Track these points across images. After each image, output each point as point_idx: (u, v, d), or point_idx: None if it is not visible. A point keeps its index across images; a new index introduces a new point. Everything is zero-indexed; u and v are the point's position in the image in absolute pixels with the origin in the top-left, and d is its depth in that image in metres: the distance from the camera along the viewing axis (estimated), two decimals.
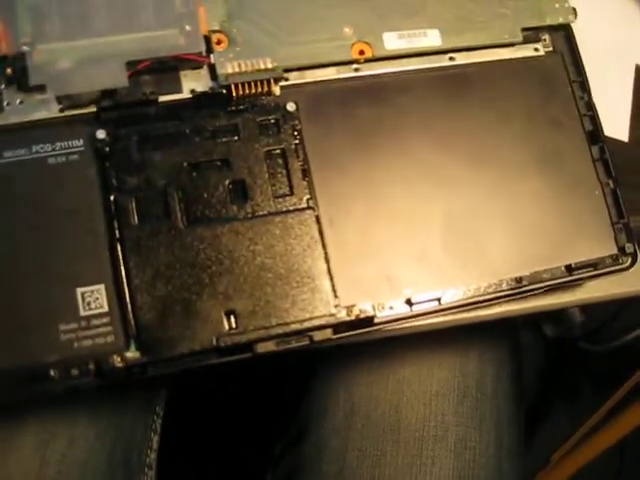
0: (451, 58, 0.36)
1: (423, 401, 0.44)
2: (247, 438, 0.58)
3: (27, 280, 0.31)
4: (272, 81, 0.34)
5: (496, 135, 0.36)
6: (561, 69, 0.37)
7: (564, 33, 0.38)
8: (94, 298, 0.32)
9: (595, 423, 0.71)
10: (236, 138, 0.34)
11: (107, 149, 0.33)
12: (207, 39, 0.34)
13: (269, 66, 0.34)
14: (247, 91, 0.34)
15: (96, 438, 0.39)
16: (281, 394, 0.54)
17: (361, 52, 0.35)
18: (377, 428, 0.43)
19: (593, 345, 0.81)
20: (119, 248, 0.32)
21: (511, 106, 0.36)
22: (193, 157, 0.33)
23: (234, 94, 0.34)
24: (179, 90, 0.34)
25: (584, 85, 0.37)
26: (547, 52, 0.37)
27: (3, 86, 0.33)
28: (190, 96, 0.34)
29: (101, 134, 0.33)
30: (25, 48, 0.33)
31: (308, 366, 0.48)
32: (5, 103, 0.33)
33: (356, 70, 0.35)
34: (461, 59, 0.37)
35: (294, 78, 0.35)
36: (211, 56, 0.34)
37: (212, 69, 0.34)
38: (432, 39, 0.36)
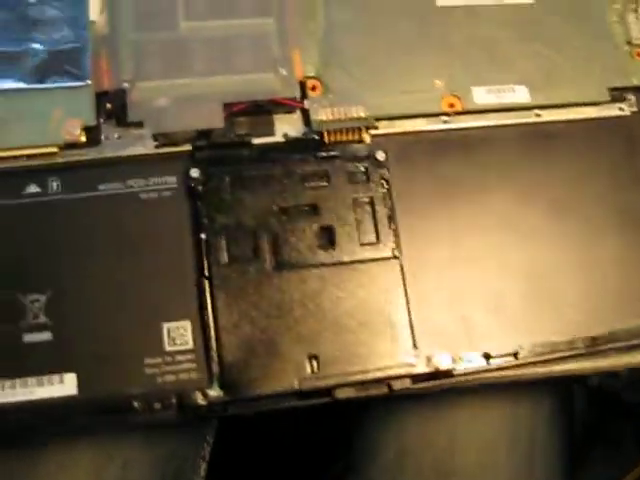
0: (537, 114, 0.37)
1: (476, 447, 0.45)
2: (293, 469, 0.59)
3: (116, 312, 0.33)
4: (363, 129, 0.35)
5: (579, 191, 0.37)
6: None
7: None
8: (180, 334, 0.33)
9: (637, 477, 0.70)
10: (326, 184, 0.35)
11: (200, 188, 0.34)
12: (302, 84, 0.36)
13: (361, 115, 0.35)
14: (339, 138, 0.35)
15: (150, 463, 0.40)
16: (330, 427, 0.54)
17: (451, 105, 0.36)
18: (430, 471, 0.44)
19: (636, 396, 0.81)
20: (207, 286, 0.33)
21: (595, 163, 0.37)
22: (283, 200, 0.34)
23: (326, 140, 0.35)
24: (272, 133, 0.35)
25: None
26: (632, 112, 0.38)
27: (102, 120, 0.34)
28: (283, 140, 0.35)
29: (195, 173, 0.34)
30: (126, 85, 0.34)
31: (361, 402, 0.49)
32: (103, 137, 0.34)
33: (445, 122, 0.36)
34: (547, 116, 0.38)
35: (384, 127, 0.36)
36: (305, 102, 0.35)
37: (305, 114, 0.35)
38: (520, 95, 0.37)
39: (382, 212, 0.35)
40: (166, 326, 0.33)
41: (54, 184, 0.34)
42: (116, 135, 0.35)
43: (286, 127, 0.36)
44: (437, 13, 0.38)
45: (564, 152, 0.38)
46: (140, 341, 0.32)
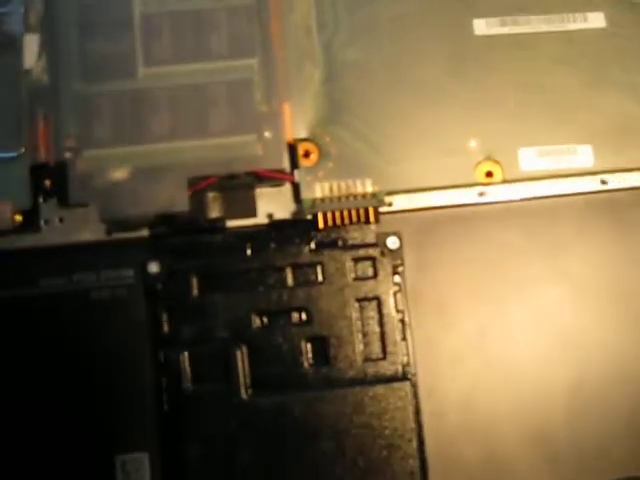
0: (603, 181, 0.30)
1: None
2: None
3: (61, 441, 0.29)
4: (370, 209, 0.29)
5: None
6: None
7: None
8: (135, 469, 0.29)
9: None
10: (320, 281, 0.31)
11: (160, 286, 0.29)
12: (292, 149, 0.31)
13: (368, 189, 0.30)
14: (338, 221, 0.30)
15: None
16: None
17: (489, 174, 0.30)
18: None
19: None
20: (168, 413, 0.28)
21: None
22: (264, 303, 0.30)
23: (321, 224, 0.29)
24: (253, 213, 0.30)
25: None
26: None
27: (41, 200, 0.29)
28: (266, 222, 0.31)
29: (154, 267, 0.30)
30: (68, 155, 0.29)
31: None
32: (42, 221, 0.30)
33: (481, 195, 0.30)
34: (615, 182, 0.32)
35: (399, 203, 0.31)
36: (295, 172, 0.29)
37: (296, 189, 0.29)
38: (583, 158, 0.30)
39: (392, 317, 0.30)
40: (120, 459, 0.29)
41: None
42: (58, 218, 0.31)
43: (271, 206, 0.31)
44: (474, 46, 0.32)
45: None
46: (89, 477, 0.29)
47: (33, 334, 0.30)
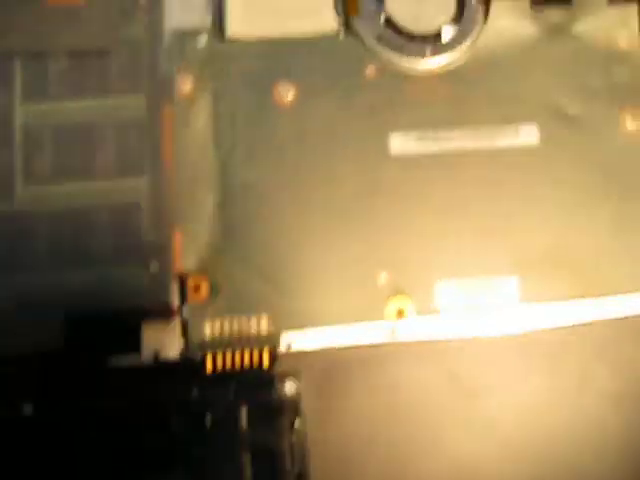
0: (532, 315, 0.30)
1: None
2: None
3: None
4: (266, 351, 0.27)
5: None
6: None
7: None
8: None
9: None
10: (205, 429, 0.28)
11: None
12: (182, 282, 0.29)
13: (263, 328, 0.28)
14: (229, 362, 0.27)
15: None
16: None
17: (399, 312, 0.28)
18: None
19: None
20: None
21: None
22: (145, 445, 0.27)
23: (209, 367, 0.27)
24: (137, 351, 0.28)
25: None
26: None
27: None
28: (151, 361, 0.28)
29: (27, 409, 0.27)
30: None
31: None
32: None
33: (392, 332, 0.28)
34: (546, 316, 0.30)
35: (299, 343, 0.30)
36: (184, 309, 0.27)
37: (185, 326, 0.27)
38: (508, 290, 0.28)
39: (287, 472, 0.27)
40: None
41: None
42: None
43: (156, 344, 0.29)
44: (389, 165, 0.29)
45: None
46: None
47: None
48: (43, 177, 0.29)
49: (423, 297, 0.29)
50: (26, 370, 0.29)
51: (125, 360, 0.29)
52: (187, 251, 0.29)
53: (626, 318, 0.32)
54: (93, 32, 0.31)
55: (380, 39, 0.31)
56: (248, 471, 0.29)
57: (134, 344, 0.29)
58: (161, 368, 0.28)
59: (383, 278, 0.29)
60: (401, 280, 0.29)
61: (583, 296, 0.30)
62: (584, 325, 0.31)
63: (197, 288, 0.29)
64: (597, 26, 0.32)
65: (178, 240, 0.29)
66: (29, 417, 0.29)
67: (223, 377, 0.28)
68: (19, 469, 0.28)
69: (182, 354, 0.29)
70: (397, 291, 0.29)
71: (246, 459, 0.29)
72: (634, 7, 0.34)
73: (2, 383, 0.29)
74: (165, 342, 0.29)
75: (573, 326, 0.31)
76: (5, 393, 0.29)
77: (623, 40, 0.33)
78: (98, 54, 0.30)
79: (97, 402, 0.29)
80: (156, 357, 0.29)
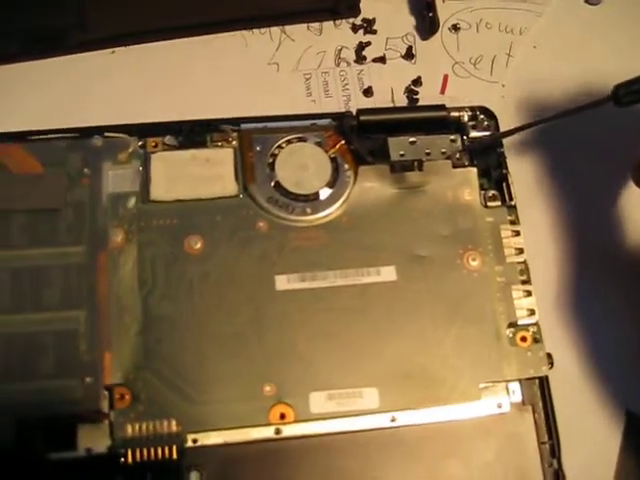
0: (393, 419, 0.40)
1: None
2: None
3: None
4: (174, 447, 0.36)
5: None
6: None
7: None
8: None
9: None
10: None
11: None
12: (110, 392, 0.39)
13: (173, 429, 0.38)
14: (146, 456, 0.37)
15: None
16: None
17: (282, 416, 0.37)
18: None
19: None
20: None
21: None
22: None
23: (129, 459, 0.37)
24: (74, 447, 0.37)
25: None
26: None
27: None
28: (84, 455, 0.37)
29: None
30: None
31: None
32: None
33: (277, 432, 0.37)
34: (404, 419, 0.40)
35: (203, 439, 0.39)
36: (111, 413, 0.37)
37: (111, 426, 0.38)
38: (369, 400, 0.38)
39: None
40: None
41: None
42: None
43: (90, 441, 0.39)
44: (275, 299, 0.41)
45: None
46: None
47: None
48: (1, 308, 0.40)
49: (300, 405, 0.39)
50: None
51: (64, 455, 0.39)
52: (114, 368, 0.39)
53: (470, 419, 0.42)
54: (47, 195, 0.42)
55: (270, 200, 0.42)
56: None
57: (71, 442, 0.40)
58: (94, 459, 0.38)
59: (268, 389, 0.39)
60: (282, 391, 0.39)
61: (432, 403, 0.40)
62: (433, 424, 0.41)
63: (122, 397, 0.38)
64: (445, 185, 0.43)
65: (108, 359, 0.39)
66: None
67: (141, 467, 0.38)
68: None
69: (109, 449, 0.38)
70: (279, 399, 0.39)
71: None
72: (474, 169, 0.45)
73: None
74: (96, 440, 0.39)
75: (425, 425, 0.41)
76: None
77: (465, 195, 0.44)
78: (50, 213, 0.41)
79: None
80: (89, 452, 0.38)
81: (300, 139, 0.43)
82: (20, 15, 0.45)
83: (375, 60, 0.49)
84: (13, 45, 0.45)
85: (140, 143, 0.43)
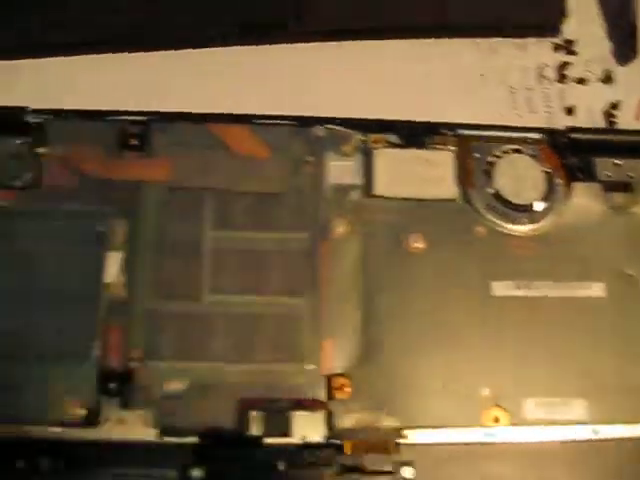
0: (595, 431, 0.40)
1: None
2: None
3: None
4: (391, 442, 0.37)
5: None
6: None
7: None
8: None
9: None
10: None
11: None
12: (329, 381, 0.40)
13: (390, 424, 0.38)
14: (362, 448, 0.38)
15: None
16: None
17: (496, 419, 0.38)
18: None
19: None
20: None
21: None
22: None
23: (347, 450, 0.38)
24: (289, 434, 0.39)
25: None
26: None
27: (104, 400, 0.37)
28: (300, 442, 0.39)
29: (197, 472, 0.37)
30: (135, 364, 0.38)
31: None
32: (103, 418, 0.38)
33: (487, 435, 0.38)
34: (606, 432, 0.41)
35: (415, 437, 0.40)
36: (330, 403, 0.39)
37: (329, 416, 0.39)
38: (576, 410, 0.39)
39: None
40: None
41: (45, 461, 0.37)
42: (117, 417, 0.39)
43: (305, 429, 0.39)
44: (491, 304, 0.42)
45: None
46: None
47: None
48: (225, 289, 0.40)
49: (514, 410, 0.40)
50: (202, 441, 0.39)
51: (279, 440, 0.39)
52: (335, 358, 0.40)
53: None
54: (271, 179, 0.42)
55: (489, 206, 0.43)
56: None
57: (286, 429, 0.38)
58: (309, 447, 0.38)
59: (485, 392, 0.39)
60: (497, 395, 0.40)
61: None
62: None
63: (341, 388, 0.39)
64: None
65: (328, 348, 0.40)
66: (197, 478, 0.38)
67: (357, 459, 0.38)
68: None
69: (325, 439, 0.38)
70: (495, 402, 0.40)
71: None
72: None
73: (181, 450, 0.39)
74: (312, 428, 0.39)
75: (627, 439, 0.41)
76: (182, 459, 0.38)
77: None
78: (273, 197, 0.42)
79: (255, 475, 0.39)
80: (304, 439, 0.38)
81: (516, 150, 0.44)
82: (244, 6, 0.46)
83: (575, 80, 0.50)
84: (232, 31, 0.45)
85: (362, 138, 0.44)
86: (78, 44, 0.47)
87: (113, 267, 0.41)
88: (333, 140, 0.43)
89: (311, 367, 0.39)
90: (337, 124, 0.43)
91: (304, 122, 0.43)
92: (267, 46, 0.47)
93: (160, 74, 0.47)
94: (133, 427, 0.39)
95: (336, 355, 0.40)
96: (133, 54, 0.48)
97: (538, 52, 0.50)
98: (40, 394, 0.38)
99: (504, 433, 0.40)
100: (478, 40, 0.48)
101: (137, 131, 0.43)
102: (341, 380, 0.39)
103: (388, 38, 0.48)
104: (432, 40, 0.49)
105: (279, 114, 0.43)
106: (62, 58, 0.47)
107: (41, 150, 0.42)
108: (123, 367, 0.39)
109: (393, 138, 0.44)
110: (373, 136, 0.44)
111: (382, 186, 0.43)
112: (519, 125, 0.46)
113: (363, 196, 0.42)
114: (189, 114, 0.43)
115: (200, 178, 0.42)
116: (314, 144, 0.43)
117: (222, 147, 0.43)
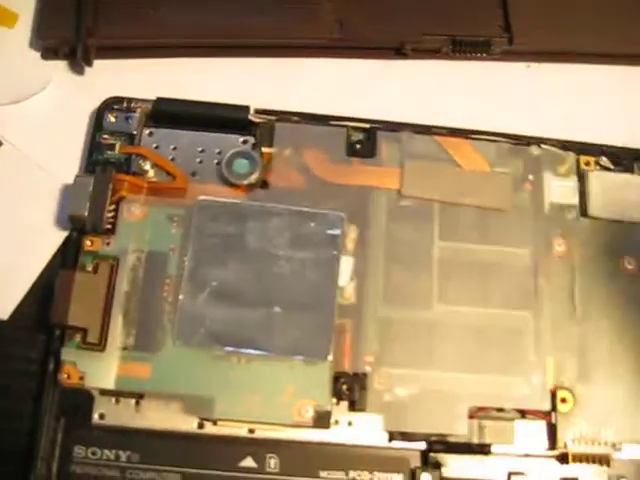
0: None
1: None
2: None
3: None
4: (610, 455, 0.39)
5: None
6: None
7: None
8: None
9: None
10: None
11: None
12: (553, 394, 0.42)
13: (609, 439, 0.40)
14: (580, 460, 0.40)
15: None
16: None
17: None
18: None
19: None
20: None
21: None
22: None
23: (570, 462, 0.39)
24: (511, 442, 0.41)
25: None
26: None
27: (335, 401, 0.38)
28: (522, 452, 0.41)
29: (425, 478, 0.38)
30: (367, 369, 0.39)
31: None
32: (334, 420, 0.38)
33: None
34: None
35: (625, 451, 0.41)
36: (552, 414, 0.41)
37: (550, 427, 0.41)
38: None
39: None
40: None
41: (272, 462, 0.39)
42: (347, 421, 0.41)
43: (526, 438, 0.41)
44: None
45: None
46: None
47: None
48: (452, 298, 0.42)
49: None
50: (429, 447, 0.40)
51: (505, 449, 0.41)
52: (559, 374, 0.41)
53: None
54: (495, 194, 0.44)
55: None
56: None
57: (509, 437, 0.40)
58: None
59: None
60: None
61: None
62: None
63: (564, 400, 0.41)
64: None
65: (551, 363, 0.41)
66: None
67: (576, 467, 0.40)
68: None
69: (548, 449, 0.41)
70: None
71: None
72: None
73: (408, 455, 0.40)
74: (533, 438, 0.40)
75: None
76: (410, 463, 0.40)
77: None
78: (497, 212, 0.44)
79: None
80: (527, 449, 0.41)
81: None
82: (456, 22, 0.48)
83: None
84: (446, 45, 0.47)
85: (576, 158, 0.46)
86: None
87: (346, 271, 0.42)
88: (550, 160, 0.45)
89: (536, 380, 0.41)
90: (551, 144, 0.45)
91: (520, 140, 0.45)
92: (477, 62, 0.49)
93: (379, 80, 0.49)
94: (362, 431, 0.40)
95: (558, 370, 0.41)
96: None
97: None
98: (272, 394, 0.39)
99: None
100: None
101: (363, 138, 0.45)
102: (564, 393, 0.41)
103: (595, 63, 0.50)
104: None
105: (497, 131, 0.45)
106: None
107: (267, 150, 0.44)
108: (356, 371, 0.40)
109: (606, 162, 0.46)
110: (585, 158, 0.46)
111: (597, 208, 0.44)
112: None
113: (580, 216, 0.44)
114: (407, 124, 0.45)
115: (427, 189, 0.44)
116: (531, 163, 0.45)
117: (448, 159, 0.44)
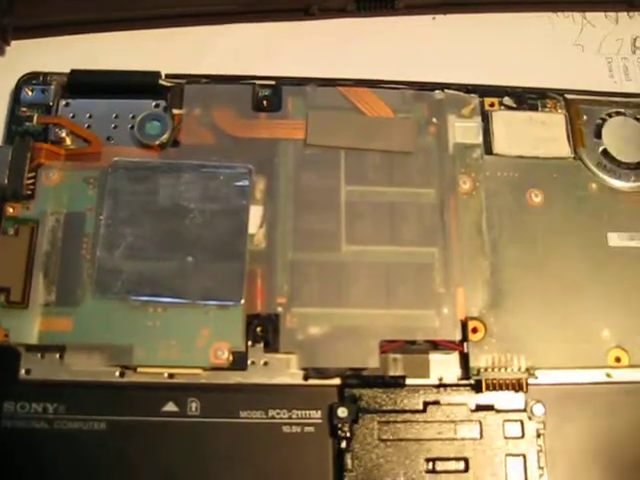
0: None
1: None
2: None
3: None
4: (523, 381, 0.40)
5: None
6: None
7: None
8: None
9: None
10: (478, 436, 0.42)
11: (345, 429, 0.39)
12: (463, 325, 0.43)
13: (522, 364, 0.41)
14: (495, 387, 0.41)
15: None
16: None
17: (617, 359, 0.42)
18: None
19: None
20: None
21: None
22: (432, 452, 0.41)
23: (483, 389, 0.41)
24: (427, 375, 0.42)
25: None
26: None
27: (250, 344, 0.40)
28: (437, 383, 0.42)
29: (342, 412, 0.39)
30: (280, 310, 0.40)
31: None
32: (249, 362, 0.40)
33: (608, 375, 0.42)
34: None
35: (542, 377, 0.43)
36: (464, 344, 0.42)
37: (464, 358, 0.43)
38: None
39: (534, 473, 0.40)
40: None
41: (193, 405, 0.41)
42: (263, 361, 0.43)
43: (441, 370, 0.43)
44: (608, 254, 0.46)
45: None
46: None
47: (233, 457, 0.40)
48: (360, 239, 0.44)
49: (634, 350, 0.43)
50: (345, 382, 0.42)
51: (418, 382, 0.42)
52: (468, 303, 0.43)
53: None
54: (400, 138, 0.46)
55: (599, 165, 0.47)
56: (505, 470, 0.41)
57: (424, 371, 0.42)
58: (445, 387, 0.42)
59: (606, 334, 0.43)
60: (618, 336, 0.43)
61: None
62: None
63: (475, 330, 0.43)
64: None
65: (461, 294, 0.43)
66: (342, 417, 0.41)
67: (490, 397, 0.42)
68: None
69: (460, 379, 0.42)
70: (616, 344, 0.43)
71: (505, 461, 0.42)
72: None
73: (325, 391, 0.42)
74: (447, 369, 0.42)
75: None
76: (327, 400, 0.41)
77: None
78: (402, 155, 0.46)
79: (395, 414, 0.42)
80: (440, 380, 0.42)
81: (618, 113, 0.48)
82: None
83: None
84: (350, 3, 0.50)
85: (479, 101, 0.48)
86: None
87: (255, 219, 0.44)
88: (453, 103, 0.47)
89: (447, 311, 0.43)
90: (455, 89, 0.47)
91: (425, 87, 0.47)
92: (381, 18, 0.51)
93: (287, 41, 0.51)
94: (278, 371, 0.42)
95: (468, 301, 0.43)
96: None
97: (630, 24, 0.54)
98: (188, 339, 0.41)
99: (623, 374, 0.43)
100: (574, 14, 0.53)
101: (269, 93, 0.47)
102: (474, 323, 0.43)
103: (483, 12, 0.52)
104: (530, 14, 0.53)
105: (401, 80, 0.47)
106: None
107: (177, 111, 0.46)
108: (268, 312, 0.42)
109: (508, 101, 0.48)
110: (489, 99, 0.48)
111: (501, 145, 0.46)
112: (621, 91, 0.50)
113: (484, 154, 0.46)
114: (312, 78, 0.47)
115: (332, 137, 0.45)
116: (436, 107, 0.47)
117: (353, 109, 0.46)
